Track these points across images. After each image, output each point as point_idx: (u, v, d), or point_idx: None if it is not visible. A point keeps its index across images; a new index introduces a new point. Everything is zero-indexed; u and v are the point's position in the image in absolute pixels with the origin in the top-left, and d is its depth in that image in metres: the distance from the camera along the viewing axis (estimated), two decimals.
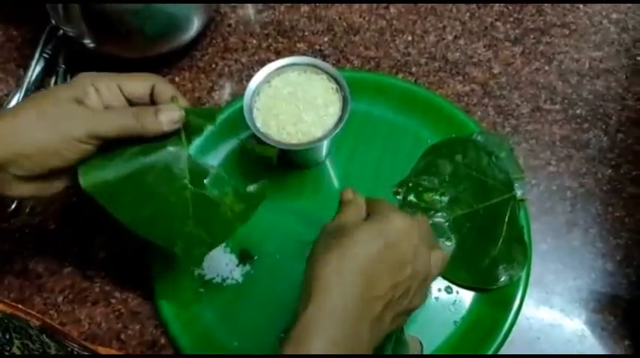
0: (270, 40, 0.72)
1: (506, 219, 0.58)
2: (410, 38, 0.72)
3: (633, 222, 0.61)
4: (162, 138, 0.48)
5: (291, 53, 0.71)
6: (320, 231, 0.45)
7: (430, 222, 0.60)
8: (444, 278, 0.58)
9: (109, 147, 0.47)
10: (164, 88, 0.49)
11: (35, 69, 0.69)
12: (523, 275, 0.57)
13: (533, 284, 0.58)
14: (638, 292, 0.58)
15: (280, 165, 0.62)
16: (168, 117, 0.47)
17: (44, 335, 0.44)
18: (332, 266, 0.40)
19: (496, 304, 0.57)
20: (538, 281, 0.59)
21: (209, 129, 0.49)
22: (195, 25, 0.67)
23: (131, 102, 0.49)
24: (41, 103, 0.45)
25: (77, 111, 0.45)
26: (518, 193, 0.60)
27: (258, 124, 0.55)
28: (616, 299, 0.58)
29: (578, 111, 0.67)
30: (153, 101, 0.49)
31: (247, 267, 0.59)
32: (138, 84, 0.49)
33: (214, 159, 0.64)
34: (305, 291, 0.41)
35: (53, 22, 0.67)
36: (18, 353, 0.37)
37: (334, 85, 0.57)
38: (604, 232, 0.61)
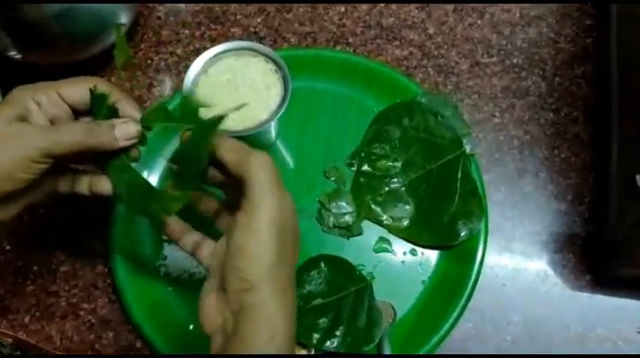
0: (203, 28, 0.71)
1: (459, 176, 0.60)
2: (343, 9, 0.71)
3: (579, 162, 0.63)
4: (119, 152, 0.47)
5: (227, 39, 0.70)
6: None
7: (387, 189, 0.61)
8: (408, 241, 0.60)
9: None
10: (104, 88, 0.47)
11: None
12: (482, 227, 0.59)
13: (493, 234, 0.60)
14: (592, 228, 0.61)
15: None
16: (125, 132, 0.46)
17: (19, 352, 0.43)
18: None
19: (460, 259, 0.58)
20: (497, 231, 0.61)
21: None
22: (123, 22, 0.65)
23: (73, 109, 0.48)
24: None
25: (27, 131, 0.43)
26: (468, 148, 0.61)
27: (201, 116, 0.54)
28: (573, 237, 0.61)
29: (514, 61, 0.68)
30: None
31: None
32: (77, 88, 0.47)
33: (165, 155, 0.63)
34: None
35: None
36: None
37: (272, 66, 0.56)
38: (553, 174, 0.63)
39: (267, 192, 0.39)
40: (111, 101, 0.47)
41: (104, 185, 0.48)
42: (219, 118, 0.43)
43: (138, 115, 0.47)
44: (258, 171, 0.39)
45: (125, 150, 0.47)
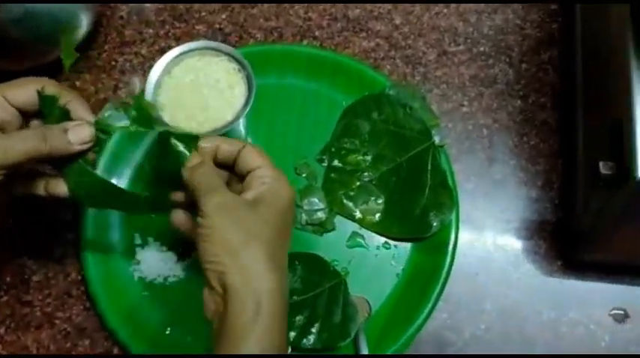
0: (167, 27, 0.70)
1: (429, 167, 0.60)
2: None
3: (547, 148, 0.64)
4: (75, 156, 0.46)
5: (192, 37, 0.69)
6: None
7: (358, 183, 0.61)
8: (380, 234, 0.60)
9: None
10: (52, 90, 0.46)
11: None
12: (453, 217, 0.59)
13: (465, 224, 0.60)
14: (562, 213, 0.61)
15: None
16: (79, 136, 0.45)
17: None
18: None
19: (433, 250, 0.59)
20: (469, 220, 0.61)
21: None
22: (84, 23, 0.64)
23: (21, 112, 0.46)
24: None
25: None
26: (437, 139, 0.61)
27: (166, 119, 0.53)
28: (544, 224, 0.61)
29: (481, 49, 0.68)
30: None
31: (187, 261, 0.59)
32: (23, 90, 0.45)
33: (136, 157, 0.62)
34: None
35: None
36: None
37: (235, 65, 0.56)
38: (523, 161, 0.64)
39: (202, 191, 0.42)
40: (61, 103, 0.46)
41: (61, 187, 0.47)
42: (196, 136, 0.46)
43: (91, 117, 0.46)
44: (193, 181, 0.43)
45: (82, 153, 0.46)
